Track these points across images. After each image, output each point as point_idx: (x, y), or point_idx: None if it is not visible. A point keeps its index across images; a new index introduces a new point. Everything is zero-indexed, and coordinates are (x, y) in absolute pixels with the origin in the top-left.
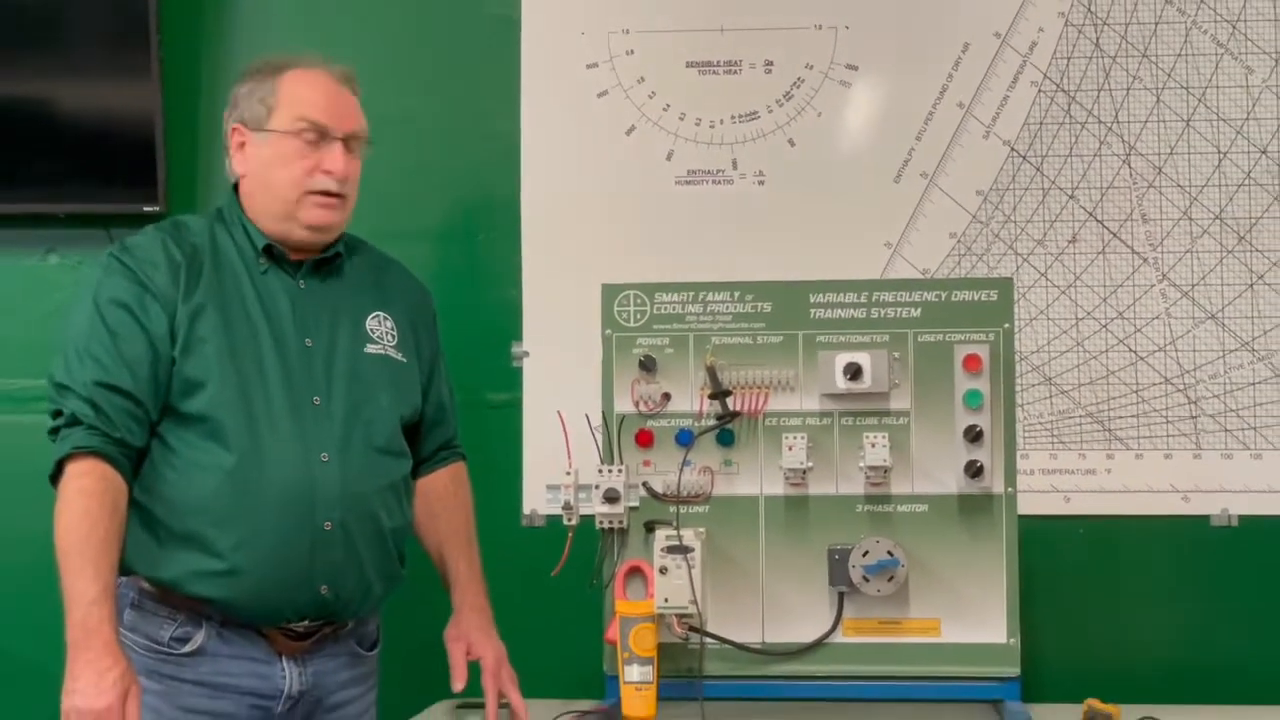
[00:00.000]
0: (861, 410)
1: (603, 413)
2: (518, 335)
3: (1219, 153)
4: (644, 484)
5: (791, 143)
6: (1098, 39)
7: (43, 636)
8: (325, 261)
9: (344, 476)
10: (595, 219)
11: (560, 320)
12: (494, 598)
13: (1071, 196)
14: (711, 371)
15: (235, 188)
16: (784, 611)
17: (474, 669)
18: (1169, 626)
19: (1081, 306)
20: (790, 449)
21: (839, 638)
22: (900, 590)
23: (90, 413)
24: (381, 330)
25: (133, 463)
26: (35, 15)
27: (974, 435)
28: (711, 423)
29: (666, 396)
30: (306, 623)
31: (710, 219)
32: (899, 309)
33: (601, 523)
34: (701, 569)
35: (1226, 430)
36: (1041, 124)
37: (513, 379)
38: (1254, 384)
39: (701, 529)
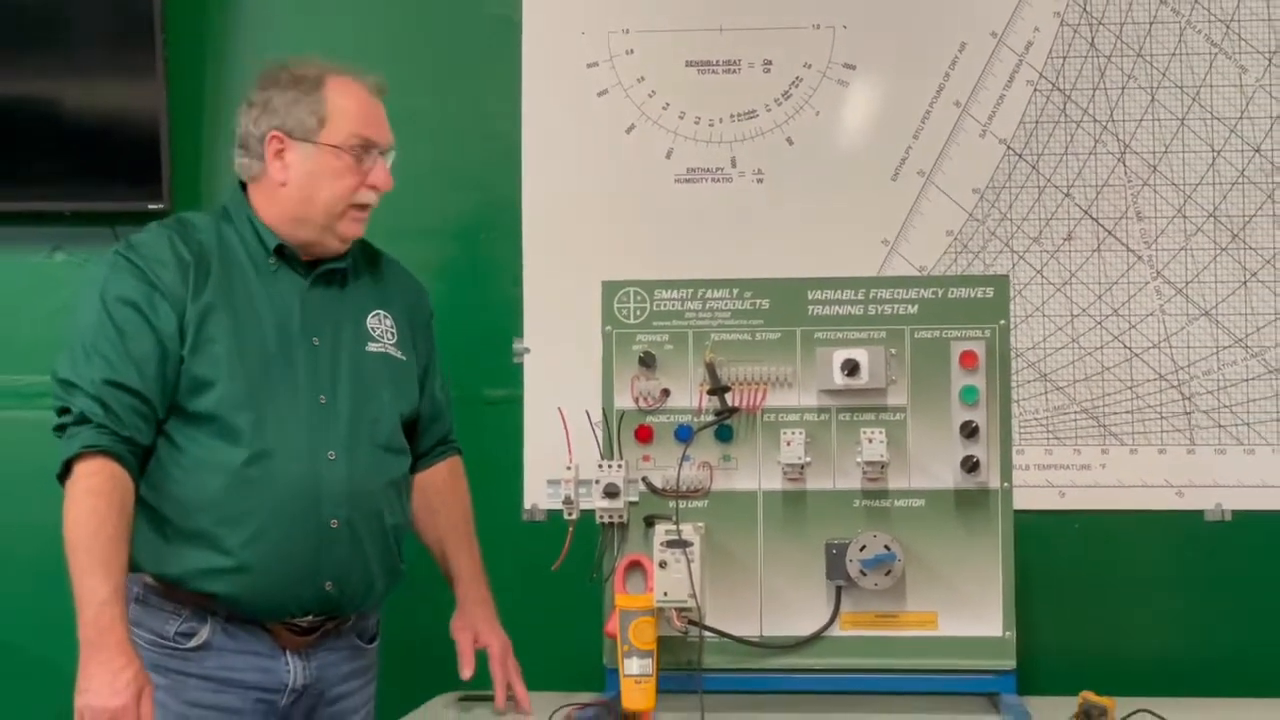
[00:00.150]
0: (859, 406)
1: (603, 408)
2: (519, 332)
3: (1213, 151)
4: (644, 479)
5: (790, 141)
6: (1093, 38)
7: (50, 631)
8: (337, 269)
9: (350, 474)
10: (595, 217)
11: (561, 317)
12: (495, 591)
13: (1067, 194)
14: (710, 368)
15: (242, 186)
16: (782, 605)
17: (478, 660)
18: (1163, 620)
19: (1077, 303)
20: (788, 444)
21: (836, 631)
22: (897, 584)
23: (99, 411)
24: (382, 328)
25: (140, 461)
26: (41, 15)
27: (970, 431)
28: (710, 418)
29: (666, 392)
30: (310, 618)
31: (709, 217)
32: (896, 306)
33: (602, 517)
34: (700, 563)
35: (1220, 426)
36: (1037, 122)
37: (513, 375)
38: (1247, 380)
39: (700, 524)
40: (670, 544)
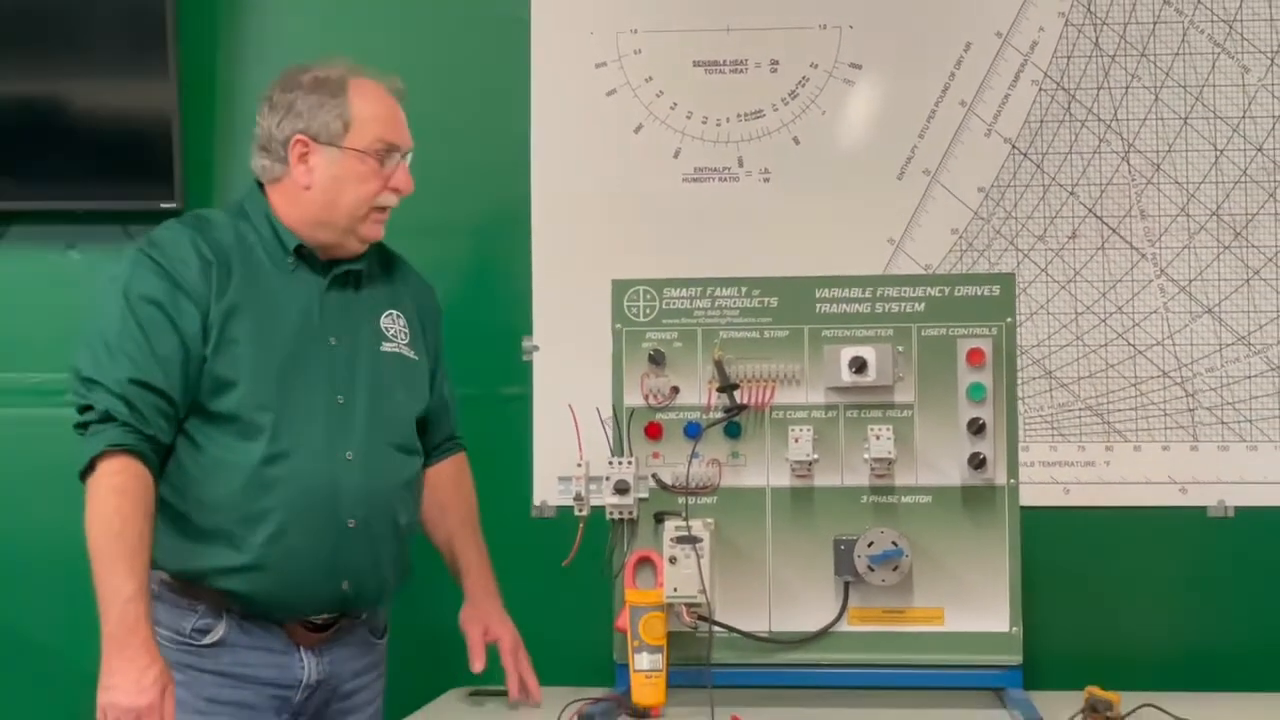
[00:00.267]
0: (866, 403)
1: (613, 406)
2: (528, 329)
3: (1216, 150)
4: (653, 476)
5: (796, 140)
6: (1097, 38)
7: (62, 626)
8: (353, 270)
9: (366, 475)
10: (604, 215)
11: (570, 315)
12: (506, 587)
13: (1071, 193)
14: (719, 365)
15: (259, 185)
16: (790, 600)
17: (488, 654)
18: (1167, 615)
19: (1081, 301)
20: (796, 441)
21: (844, 626)
22: (904, 580)
23: (124, 410)
24: (395, 328)
25: (161, 460)
26: (54, 16)
27: (977, 428)
28: (719, 415)
29: (675, 390)
30: (325, 615)
31: (717, 216)
32: (903, 304)
33: (612, 513)
34: (710, 559)
35: (1223, 423)
36: (1042, 122)
37: (523, 373)
38: (1250, 377)
39: (710, 520)
40: (680, 540)
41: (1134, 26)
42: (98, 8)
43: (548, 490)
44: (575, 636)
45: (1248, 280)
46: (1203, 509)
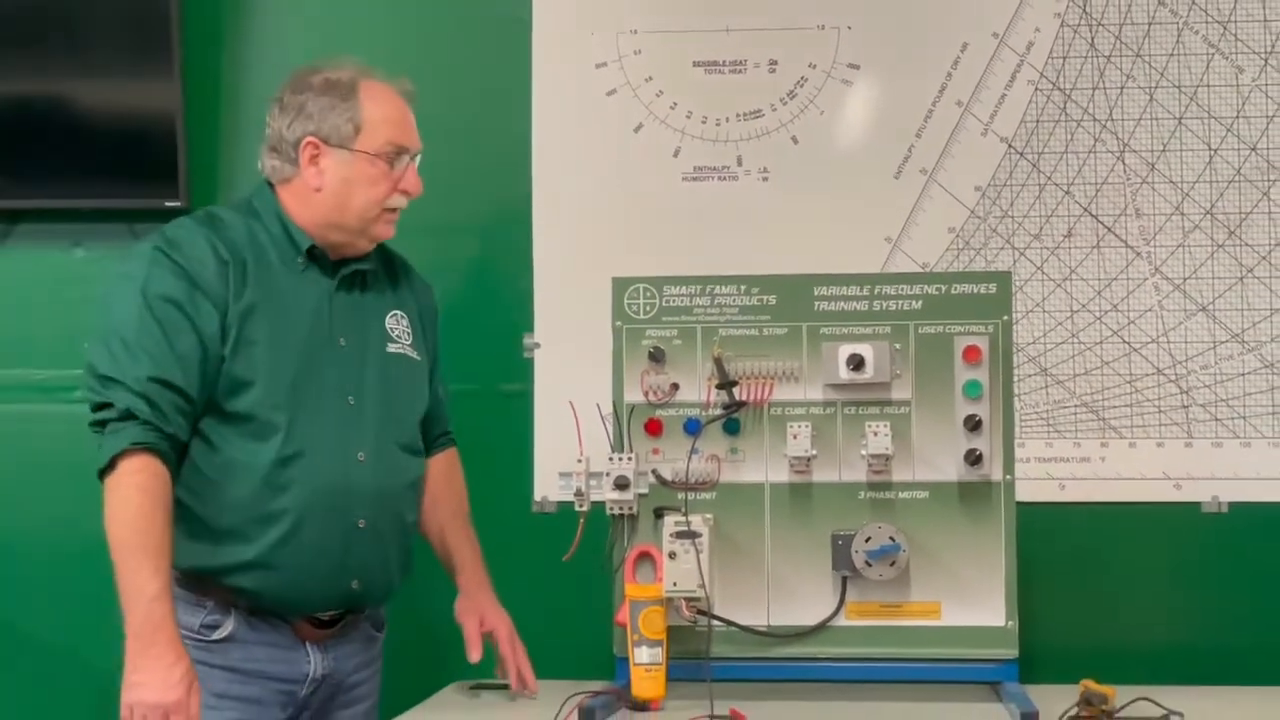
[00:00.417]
0: (864, 400)
1: (613, 402)
2: (529, 327)
3: (1210, 150)
4: (653, 471)
5: (795, 140)
6: (1093, 39)
7: (67, 620)
8: (361, 271)
9: (376, 476)
10: (604, 214)
11: (571, 312)
12: (507, 582)
13: (1067, 192)
14: (718, 362)
15: (269, 185)
16: (789, 595)
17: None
18: (1162, 610)
19: (1076, 299)
20: (795, 437)
21: (842, 621)
22: (901, 575)
23: (145, 408)
24: (399, 329)
25: (178, 459)
26: (59, 15)
27: (973, 424)
28: (718, 412)
29: (675, 387)
30: (331, 612)
31: (716, 214)
32: (900, 301)
33: (612, 509)
34: (709, 554)
35: (1217, 419)
36: (1038, 122)
37: (524, 370)
38: (1244, 374)
39: (709, 515)
40: (679, 535)
41: (1129, 27)
42: (102, 8)
43: (548, 486)
44: (575, 630)
45: (1241, 278)
46: (1197, 505)
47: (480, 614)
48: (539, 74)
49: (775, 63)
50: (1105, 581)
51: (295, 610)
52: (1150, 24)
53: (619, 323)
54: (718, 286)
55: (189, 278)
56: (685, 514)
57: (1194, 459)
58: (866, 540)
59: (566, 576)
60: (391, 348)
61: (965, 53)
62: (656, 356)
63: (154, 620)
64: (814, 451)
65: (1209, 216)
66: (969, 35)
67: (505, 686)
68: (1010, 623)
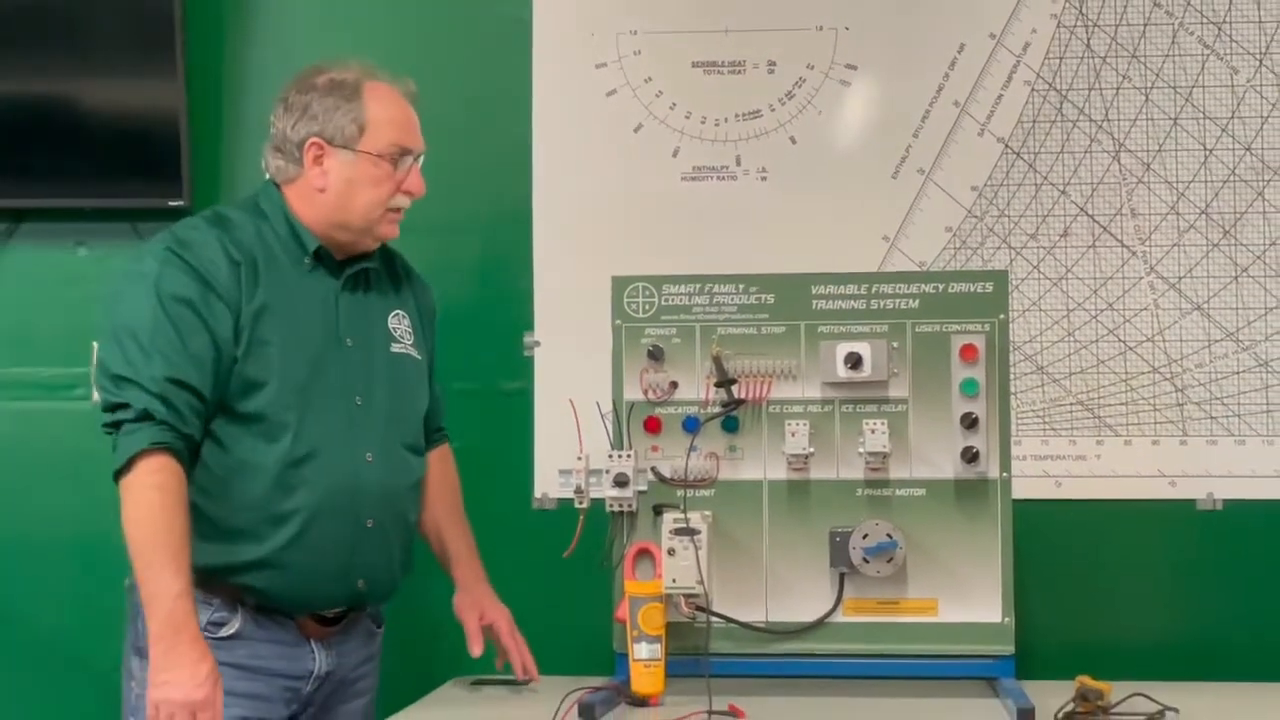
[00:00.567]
0: (861, 398)
1: (613, 400)
2: (530, 325)
3: (1205, 150)
4: (652, 469)
5: (793, 140)
6: (1089, 40)
7: (71, 614)
8: (366, 271)
9: (384, 476)
10: (604, 213)
11: (571, 311)
12: (507, 578)
13: (1063, 192)
14: (717, 361)
15: (275, 185)
16: (787, 591)
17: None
18: (1157, 606)
19: (1072, 298)
20: (793, 435)
21: (840, 617)
22: (899, 571)
23: (162, 408)
24: (401, 329)
25: (193, 458)
26: (63, 16)
27: (970, 422)
28: (717, 410)
29: (674, 385)
30: (336, 610)
31: (715, 214)
32: (898, 300)
33: (611, 506)
34: (708, 551)
35: (1212, 417)
36: (1034, 122)
37: (525, 368)
38: (1238, 373)
39: (708, 512)
40: (678, 532)
41: (1125, 28)
42: (106, 7)
43: (548, 483)
44: (575, 626)
45: (1236, 278)
46: (1191, 502)
47: (480, 608)
48: (539, 74)
49: (774, 63)
50: (1101, 578)
51: (302, 608)
52: (1146, 25)
53: (618, 321)
54: (716, 285)
55: (202, 278)
56: (684, 511)
57: (1189, 456)
58: (864, 537)
59: (567, 573)
60: (395, 348)
61: (962, 53)
62: (656, 355)
63: (177, 619)
64: (812, 449)
65: (1204, 216)
66: (966, 36)
67: (506, 681)
68: (1006, 619)
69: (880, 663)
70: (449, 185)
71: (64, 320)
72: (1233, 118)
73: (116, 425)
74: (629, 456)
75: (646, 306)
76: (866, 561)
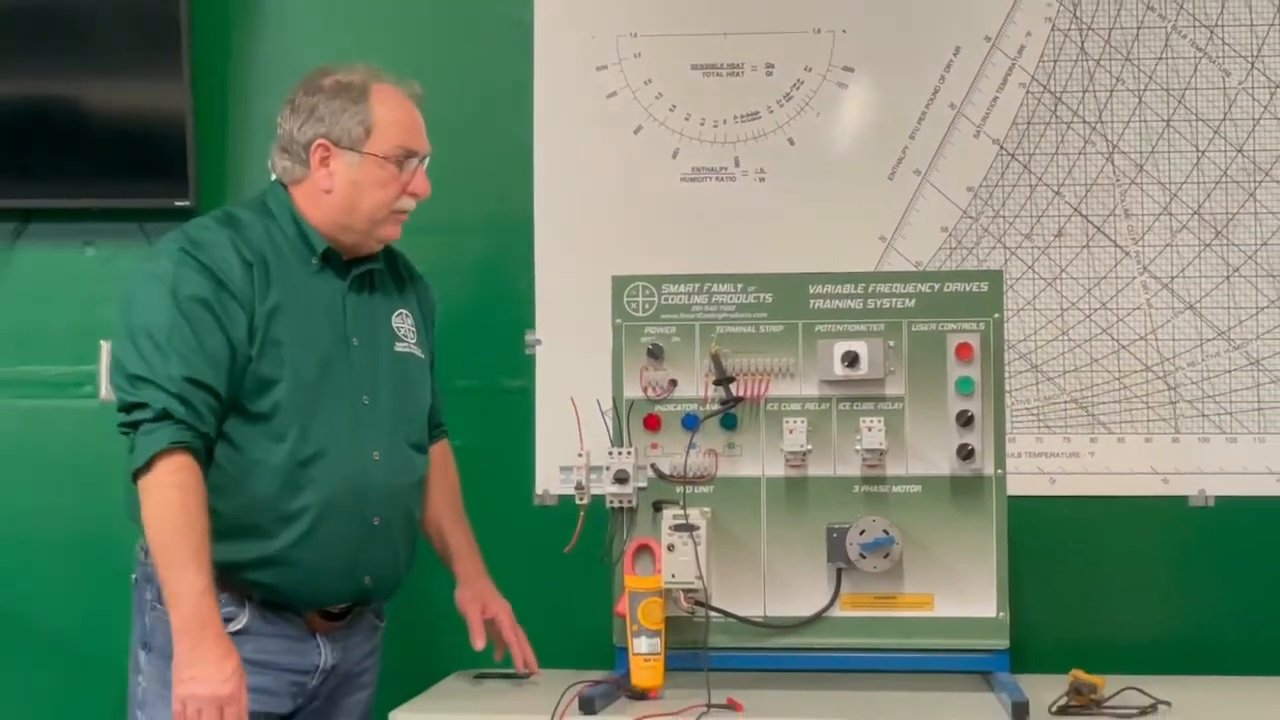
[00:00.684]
0: (858, 396)
1: (613, 398)
2: (531, 324)
3: (1197, 151)
4: (652, 465)
5: (791, 141)
6: (1083, 43)
7: (78, 611)
8: (371, 271)
9: (390, 474)
10: (604, 214)
11: (571, 310)
12: (509, 574)
13: (1057, 193)
14: (716, 359)
15: (282, 186)
16: (784, 587)
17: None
18: (1150, 601)
19: (1066, 297)
20: (790, 432)
21: (837, 612)
22: (895, 567)
23: (180, 408)
24: (405, 328)
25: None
26: (70, 18)
27: (965, 420)
28: (716, 408)
29: (673, 383)
30: (342, 605)
31: (714, 214)
32: (894, 300)
33: (612, 502)
34: (706, 546)
35: (1204, 415)
36: (1029, 124)
37: (526, 366)
38: (1230, 371)
39: (706, 508)
40: (678, 528)
41: (1118, 31)
42: (112, 9)
43: (550, 479)
44: (576, 621)
45: (1228, 277)
46: (1184, 498)
47: (482, 602)
48: (540, 76)
49: (772, 66)
50: (1095, 574)
51: (309, 604)
52: (1139, 28)
53: (619, 320)
54: (715, 285)
55: (216, 278)
56: (683, 507)
57: (1181, 454)
58: (861, 533)
59: (567, 568)
60: (399, 347)
61: (958, 56)
62: (655, 353)
63: (202, 616)
64: (809, 446)
65: (1196, 216)
66: (962, 39)
67: (507, 675)
68: (1001, 614)
69: (876, 657)
70: (451, 186)
71: (72, 319)
72: (1224, 120)
73: (134, 425)
74: (629, 453)
75: (646, 306)
76: (863, 557)
